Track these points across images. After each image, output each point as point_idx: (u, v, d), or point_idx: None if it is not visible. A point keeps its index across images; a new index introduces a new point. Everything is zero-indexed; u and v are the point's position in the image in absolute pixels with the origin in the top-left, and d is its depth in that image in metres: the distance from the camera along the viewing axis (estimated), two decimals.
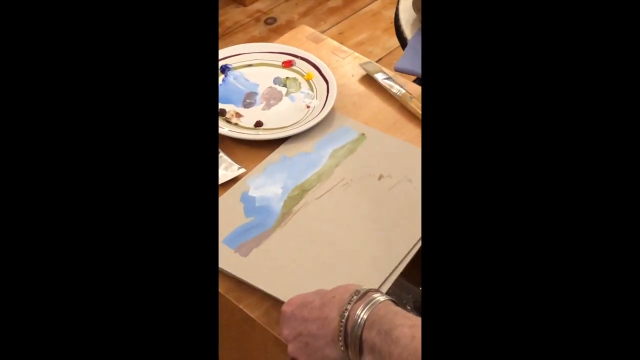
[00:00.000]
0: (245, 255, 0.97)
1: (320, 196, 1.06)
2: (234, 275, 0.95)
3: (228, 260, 0.96)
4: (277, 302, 0.92)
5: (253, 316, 0.92)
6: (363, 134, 1.17)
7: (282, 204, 1.05)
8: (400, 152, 1.14)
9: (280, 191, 1.06)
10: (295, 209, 1.04)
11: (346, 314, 0.76)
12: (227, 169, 1.09)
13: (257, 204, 1.04)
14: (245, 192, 1.06)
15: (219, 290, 0.95)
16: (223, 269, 0.95)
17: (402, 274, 0.98)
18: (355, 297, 0.77)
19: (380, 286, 0.94)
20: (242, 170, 1.09)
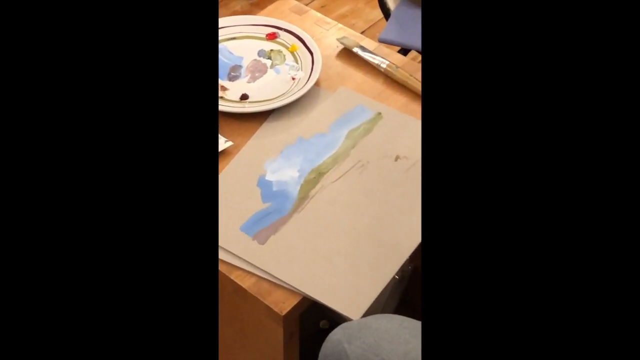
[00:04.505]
0: (263, 243, 0.97)
1: (337, 179, 1.05)
2: (254, 265, 0.94)
3: (246, 248, 0.96)
4: (267, 272, 0.93)
5: (244, 286, 0.93)
6: (379, 113, 1.15)
7: (298, 188, 1.04)
8: (417, 131, 1.13)
9: (297, 174, 1.06)
10: (311, 193, 1.03)
11: None
12: None
13: (274, 189, 1.04)
14: (262, 175, 1.06)
15: None
16: (242, 258, 0.95)
17: None
18: None
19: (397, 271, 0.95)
20: (230, 143, 1.09)
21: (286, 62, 1.24)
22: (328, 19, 1.36)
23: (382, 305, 1.27)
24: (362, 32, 2.43)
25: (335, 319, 1.36)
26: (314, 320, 1.41)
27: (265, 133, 1.13)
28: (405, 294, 1.40)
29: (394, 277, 0.95)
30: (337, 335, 0.79)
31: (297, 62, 1.23)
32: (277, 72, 1.22)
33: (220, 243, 0.96)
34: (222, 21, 1.29)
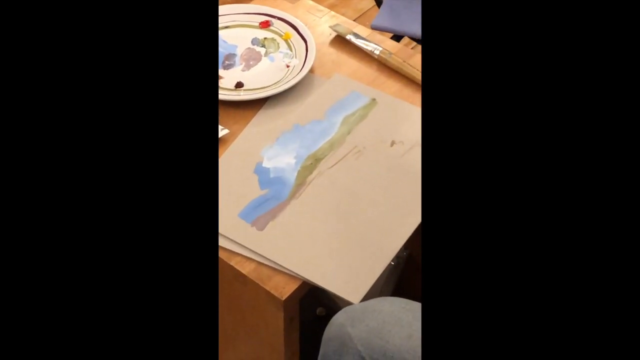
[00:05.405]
0: (262, 229, 0.97)
1: (333, 165, 1.06)
2: (252, 250, 0.95)
3: (245, 235, 0.96)
4: (267, 258, 0.94)
5: (244, 272, 0.93)
6: (374, 99, 1.16)
7: (295, 174, 1.04)
8: (412, 117, 1.13)
9: (293, 161, 1.06)
10: (309, 179, 1.04)
11: None
12: None
13: (271, 176, 1.04)
14: (259, 163, 1.06)
15: None
16: (241, 244, 0.95)
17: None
18: None
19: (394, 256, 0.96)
20: (226, 131, 1.09)
21: (280, 50, 1.24)
22: (320, 7, 1.36)
23: (378, 291, 1.28)
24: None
25: (332, 305, 1.37)
26: (311, 308, 1.42)
27: (261, 120, 1.13)
28: (400, 282, 1.41)
29: (389, 263, 0.96)
30: (340, 319, 0.80)
31: (291, 49, 1.23)
32: (272, 60, 1.22)
33: (219, 230, 0.96)
34: None
